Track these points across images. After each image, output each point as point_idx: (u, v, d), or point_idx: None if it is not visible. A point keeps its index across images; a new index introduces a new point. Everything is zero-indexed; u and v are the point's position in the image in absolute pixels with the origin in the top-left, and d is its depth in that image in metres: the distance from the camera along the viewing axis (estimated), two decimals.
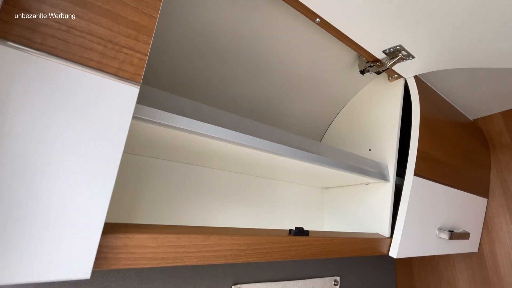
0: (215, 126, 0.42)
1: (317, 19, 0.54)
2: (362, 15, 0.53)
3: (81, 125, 0.27)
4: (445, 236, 0.74)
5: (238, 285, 0.74)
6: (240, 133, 0.45)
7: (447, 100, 0.88)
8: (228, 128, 0.43)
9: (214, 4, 0.57)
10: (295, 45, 0.68)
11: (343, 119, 0.91)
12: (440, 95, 0.84)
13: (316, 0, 0.51)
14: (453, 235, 0.75)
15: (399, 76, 0.72)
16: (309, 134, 0.94)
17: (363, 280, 1.08)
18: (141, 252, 0.32)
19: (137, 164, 0.61)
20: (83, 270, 0.27)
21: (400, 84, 0.72)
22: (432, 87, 0.82)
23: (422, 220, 0.69)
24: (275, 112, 0.83)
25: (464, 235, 0.81)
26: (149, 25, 0.32)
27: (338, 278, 0.98)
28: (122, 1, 0.30)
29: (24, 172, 0.25)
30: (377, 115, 0.76)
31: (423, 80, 0.78)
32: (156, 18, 0.32)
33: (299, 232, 0.49)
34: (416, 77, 0.72)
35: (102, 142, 0.28)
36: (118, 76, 0.29)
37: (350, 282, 1.03)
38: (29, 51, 0.25)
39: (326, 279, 0.95)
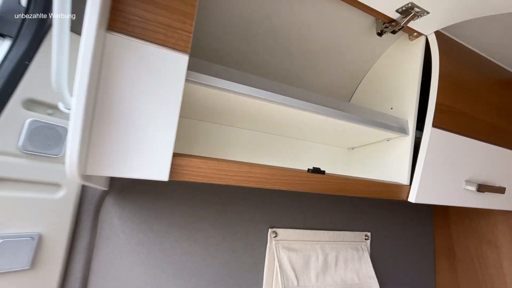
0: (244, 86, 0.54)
1: None
2: None
3: (156, 83, 0.43)
4: (472, 188, 0.77)
5: (274, 229, 0.89)
6: (279, 95, 0.57)
7: (483, 55, 0.86)
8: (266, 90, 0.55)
9: None
10: (315, 19, 0.76)
11: (367, 84, 0.95)
12: (472, 49, 0.83)
13: None
14: (482, 187, 0.77)
15: (420, 34, 0.75)
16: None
17: (395, 238, 1.13)
18: (196, 171, 0.48)
19: (186, 124, 0.78)
20: (164, 174, 0.44)
21: (421, 42, 0.75)
22: (462, 42, 0.82)
23: (443, 170, 0.73)
24: (302, 84, 0.93)
25: (497, 189, 0.81)
26: (191, 11, 0.45)
27: (369, 234, 1.06)
28: None
29: (129, 116, 0.41)
30: (399, 74, 0.80)
31: (449, 35, 0.78)
32: (195, 6, 0.46)
33: (316, 171, 0.60)
34: (437, 33, 0.73)
35: (168, 96, 0.44)
36: (175, 49, 0.44)
37: (381, 239, 1.10)
38: (124, 37, 0.40)
39: (357, 233, 1.04)
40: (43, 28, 0.58)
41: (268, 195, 0.90)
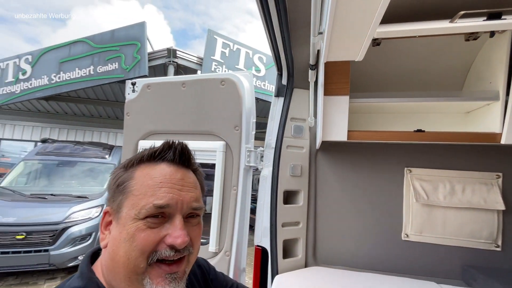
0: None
1: None
2: None
3: (339, 110, 1.25)
4: None
5: (410, 168, 1.49)
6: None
7: None
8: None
9: None
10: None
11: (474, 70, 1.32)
12: None
13: None
14: None
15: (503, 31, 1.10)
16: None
17: None
18: (360, 135, 1.26)
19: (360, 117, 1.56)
20: (344, 137, 1.26)
21: (506, 37, 1.10)
22: None
23: None
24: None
25: None
26: (347, 72, 1.22)
27: (500, 174, 1.38)
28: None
29: (330, 119, 1.26)
30: (492, 60, 1.16)
31: None
32: (349, 70, 1.22)
33: (419, 130, 1.20)
34: None
35: (343, 113, 1.24)
36: (343, 94, 1.23)
37: None
38: (328, 97, 1.25)
39: (487, 173, 1.40)
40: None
41: (404, 146, 1.49)
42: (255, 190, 1.83)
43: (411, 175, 1.48)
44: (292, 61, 1.32)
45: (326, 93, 1.22)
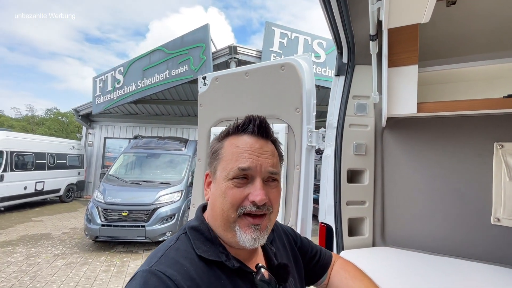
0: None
1: None
2: None
3: (407, 80, 1.17)
4: None
5: (501, 143, 1.28)
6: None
7: None
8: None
9: None
10: None
11: None
12: None
13: None
14: None
15: None
16: None
17: None
18: (429, 107, 1.16)
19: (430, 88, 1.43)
20: (414, 110, 1.18)
21: None
22: None
23: None
24: None
25: None
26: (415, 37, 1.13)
27: None
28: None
29: (397, 93, 1.20)
30: None
31: None
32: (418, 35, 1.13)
33: (509, 95, 1.03)
34: None
35: (412, 82, 1.16)
36: (411, 64, 1.15)
37: None
38: (392, 68, 1.19)
39: None
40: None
41: (491, 118, 1.29)
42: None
43: (503, 150, 1.28)
44: (352, 36, 1.29)
45: (391, 64, 1.16)
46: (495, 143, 1.29)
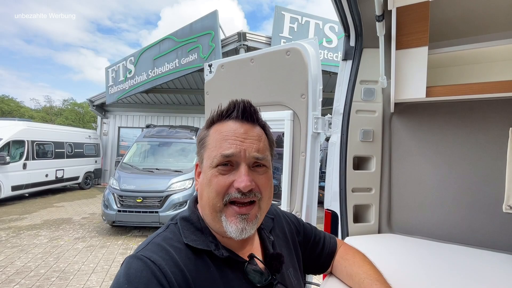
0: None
1: None
2: None
3: (416, 63, 1.12)
4: None
5: None
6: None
7: None
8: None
9: None
10: None
11: None
12: None
13: None
14: None
15: None
16: None
17: None
18: (439, 91, 1.11)
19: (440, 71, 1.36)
20: (423, 94, 1.13)
21: None
22: None
23: None
24: None
25: None
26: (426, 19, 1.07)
27: None
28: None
29: (410, 76, 1.15)
30: None
31: None
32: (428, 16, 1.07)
33: None
34: None
35: (421, 63, 1.11)
36: (421, 46, 1.10)
37: None
38: (401, 50, 1.14)
39: None
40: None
41: (507, 101, 1.23)
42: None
43: None
44: (360, 18, 1.24)
45: (399, 46, 1.11)
46: (510, 128, 1.23)
